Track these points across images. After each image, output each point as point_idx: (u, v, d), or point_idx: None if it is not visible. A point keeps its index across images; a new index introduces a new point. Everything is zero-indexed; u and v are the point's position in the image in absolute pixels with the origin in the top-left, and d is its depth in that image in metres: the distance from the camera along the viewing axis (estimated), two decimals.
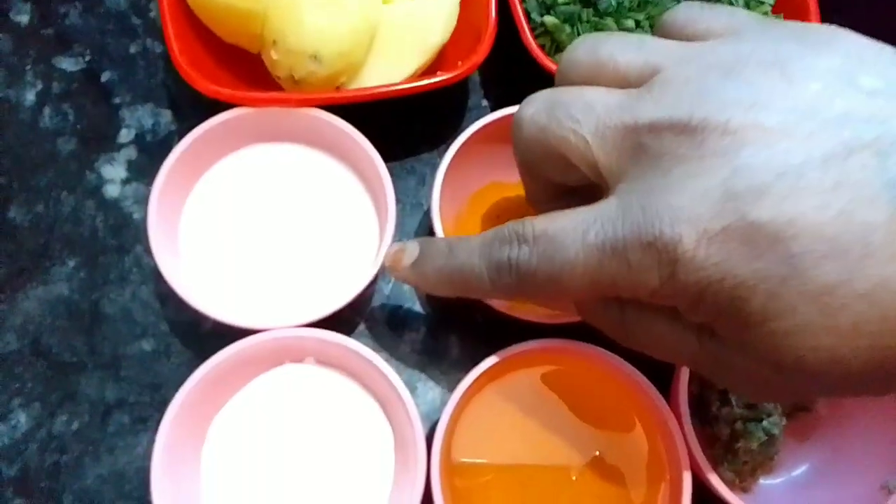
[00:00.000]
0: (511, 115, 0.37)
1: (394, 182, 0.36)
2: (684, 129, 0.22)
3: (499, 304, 0.35)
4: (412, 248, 0.30)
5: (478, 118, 0.37)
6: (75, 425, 0.37)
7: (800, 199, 0.20)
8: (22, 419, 0.36)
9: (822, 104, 0.21)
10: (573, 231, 0.24)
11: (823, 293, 0.20)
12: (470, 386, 0.32)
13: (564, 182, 0.27)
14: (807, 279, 0.20)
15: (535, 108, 0.27)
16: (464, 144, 0.37)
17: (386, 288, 0.40)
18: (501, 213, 0.41)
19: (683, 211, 0.21)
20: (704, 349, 0.24)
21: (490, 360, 0.32)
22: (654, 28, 0.28)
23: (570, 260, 0.24)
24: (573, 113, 0.25)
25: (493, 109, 0.38)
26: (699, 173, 0.22)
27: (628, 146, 0.24)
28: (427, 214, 0.41)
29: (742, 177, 0.21)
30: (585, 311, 0.28)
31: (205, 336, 0.38)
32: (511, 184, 0.41)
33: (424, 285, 0.30)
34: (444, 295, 0.30)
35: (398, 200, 0.41)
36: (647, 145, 0.23)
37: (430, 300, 0.40)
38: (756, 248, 0.20)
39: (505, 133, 0.38)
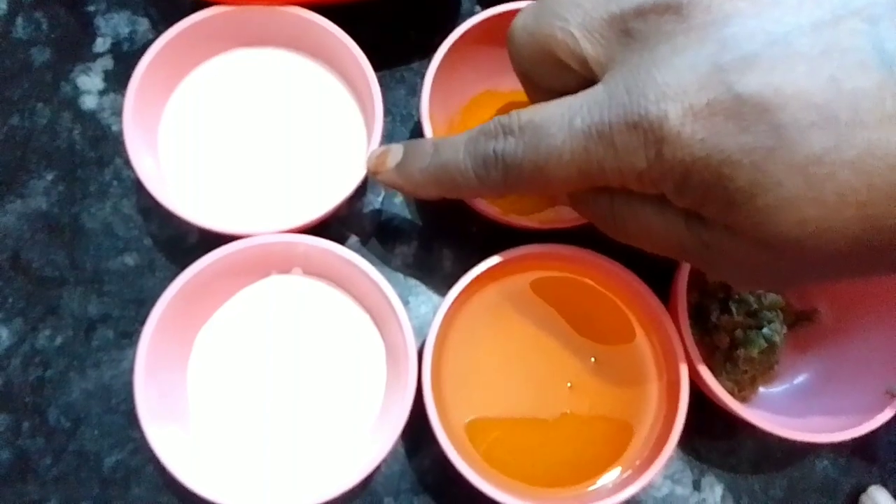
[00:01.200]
0: (500, 14, 0.35)
1: (383, 92, 0.34)
2: (669, 7, 0.22)
3: (491, 211, 0.33)
4: (396, 150, 0.30)
5: None
6: (59, 340, 0.36)
7: (788, 67, 0.20)
8: (3, 334, 0.36)
9: None
10: (560, 118, 0.24)
11: (810, 163, 0.19)
12: (462, 291, 0.31)
13: (563, 89, 0.26)
14: (793, 149, 0.19)
15: (525, 15, 0.27)
16: (454, 48, 0.35)
17: (376, 201, 0.39)
18: None
19: (669, 87, 0.21)
20: (692, 235, 0.23)
21: (483, 265, 0.31)
22: None
23: (557, 147, 0.24)
24: (560, 11, 0.25)
25: None
26: (685, 48, 0.21)
27: (615, 35, 0.23)
28: (418, 125, 0.39)
29: (729, 48, 0.20)
30: (575, 201, 0.27)
31: (190, 249, 0.37)
32: (505, 92, 0.40)
33: (410, 187, 0.29)
34: (431, 197, 0.29)
35: (388, 112, 0.39)
36: (633, 30, 0.23)
37: (421, 211, 0.39)
38: (742, 120, 0.20)
39: (496, 35, 0.37)
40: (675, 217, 0.24)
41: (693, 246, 0.24)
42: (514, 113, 0.25)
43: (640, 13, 0.22)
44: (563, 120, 0.24)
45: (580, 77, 0.25)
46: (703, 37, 0.21)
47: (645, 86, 0.21)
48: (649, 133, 0.21)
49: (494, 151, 0.26)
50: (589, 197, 0.26)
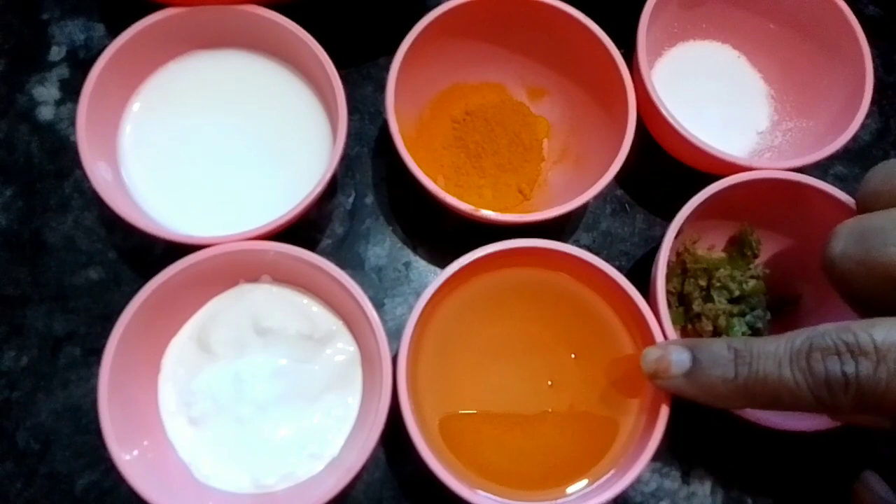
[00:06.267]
0: (466, 4, 0.34)
1: (350, 90, 0.33)
2: None
3: (464, 208, 0.32)
4: (679, 357, 0.27)
5: None
6: (24, 360, 0.35)
7: None
8: None
9: None
10: None
11: None
12: (436, 291, 0.30)
13: None
14: None
15: (844, 242, 0.25)
16: (419, 41, 0.34)
17: (347, 202, 0.38)
18: (467, 118, 0.38)
19: None
20: None
21: (457, 264, 0.30)
22: None
23: None
24: (890, 238, 0.24)
25: None
26: None
27: None
28: (388, 123, 0.38)
29: None
30: None
31: (156, 260, 0.36)
32: (474, 85, 0.39)
33: (707, 398, 0.27)
34: (732, 408, 0.28)
35: (355, 110, 0.38)
36: None
37: (394, 211, 0.38)
38: None
39: (463, 27, 0.36)
40: None
41: None
42: (859, 330, 0.23)
43: None
44: None
45: None
46: None
47: None
48: None
49: (845, 374, 0.23)
50: None
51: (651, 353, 0.28)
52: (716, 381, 0.26)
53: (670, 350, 0.28)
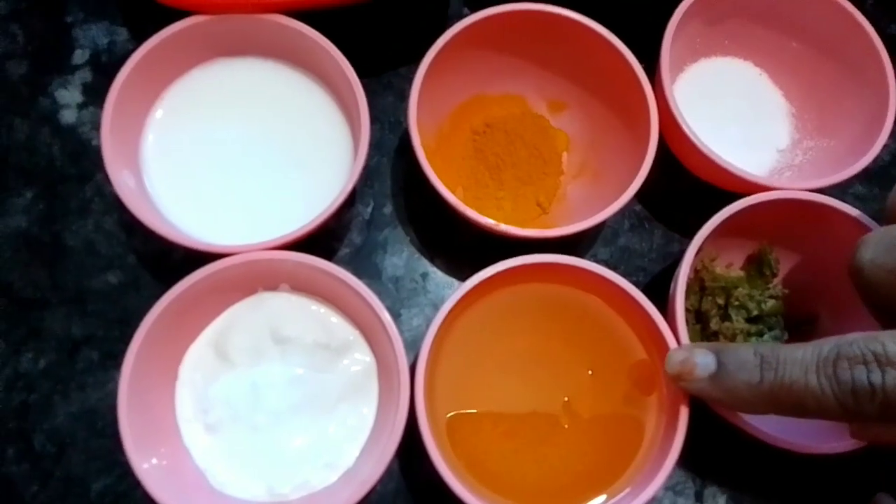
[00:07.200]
0: (490, 17, 0.34)
1: (371, 99, 0.33)
2: None
3: (484, 221, 0.32)
4: (704, 360, 0.27)
5: None
6: (42, 363, 0.35)
7: None
8: None
9: None
10: None
11: None
12: (455, 305, 0.30)
13: None
14: None
15: (874, 251, 0.25)
16: (442, 53, 0.34)
17: (366, 212, 0.38)
18: (487, 130, 0.38)
19: None
20: None
21: (473, 280, 0.30)
22: None
23: None
24: None
25: None
26: None
27: None
28: (408, 133, 0.38)
29: None
30: None
31: (176, 266, 0.36)
32: (494, 97, 0.39)
33: (732, 402, 0.27)
34: (755, 413, 0.28)
35: (375, 119, 0.38)
36: None
37: (413, 222, 0.38)
38: None
39: (486, 39, 0.36)
40: None
41: None
42: (887, 340, 0.23)
43: None
44: None
45: None
46: None
47: None
48: None
49: (871, 383, 0.23)
50: None
51: (676, 355, 0.28)
52: (740, 386, 0.26)
53: (695, 353, 0.28)
